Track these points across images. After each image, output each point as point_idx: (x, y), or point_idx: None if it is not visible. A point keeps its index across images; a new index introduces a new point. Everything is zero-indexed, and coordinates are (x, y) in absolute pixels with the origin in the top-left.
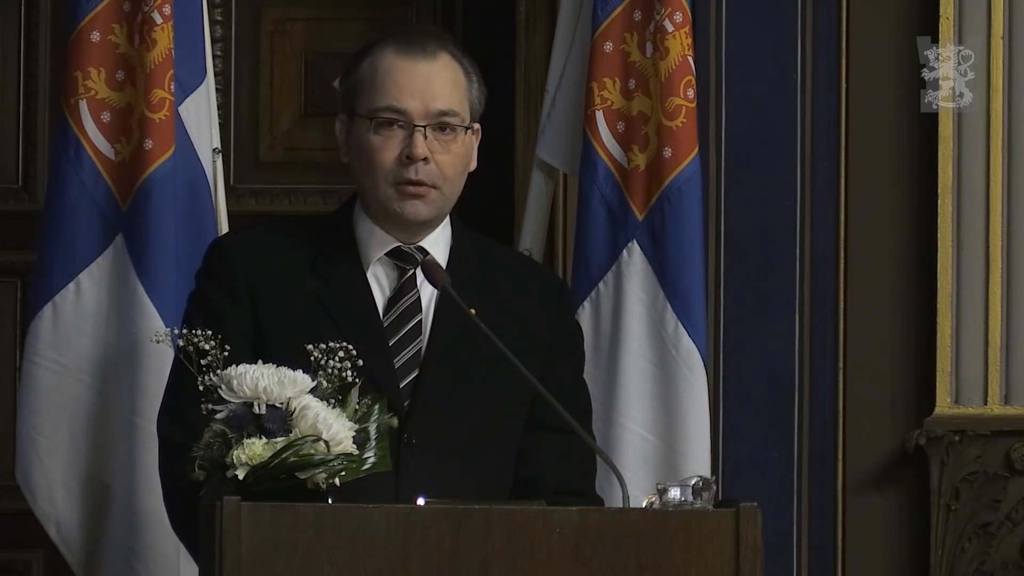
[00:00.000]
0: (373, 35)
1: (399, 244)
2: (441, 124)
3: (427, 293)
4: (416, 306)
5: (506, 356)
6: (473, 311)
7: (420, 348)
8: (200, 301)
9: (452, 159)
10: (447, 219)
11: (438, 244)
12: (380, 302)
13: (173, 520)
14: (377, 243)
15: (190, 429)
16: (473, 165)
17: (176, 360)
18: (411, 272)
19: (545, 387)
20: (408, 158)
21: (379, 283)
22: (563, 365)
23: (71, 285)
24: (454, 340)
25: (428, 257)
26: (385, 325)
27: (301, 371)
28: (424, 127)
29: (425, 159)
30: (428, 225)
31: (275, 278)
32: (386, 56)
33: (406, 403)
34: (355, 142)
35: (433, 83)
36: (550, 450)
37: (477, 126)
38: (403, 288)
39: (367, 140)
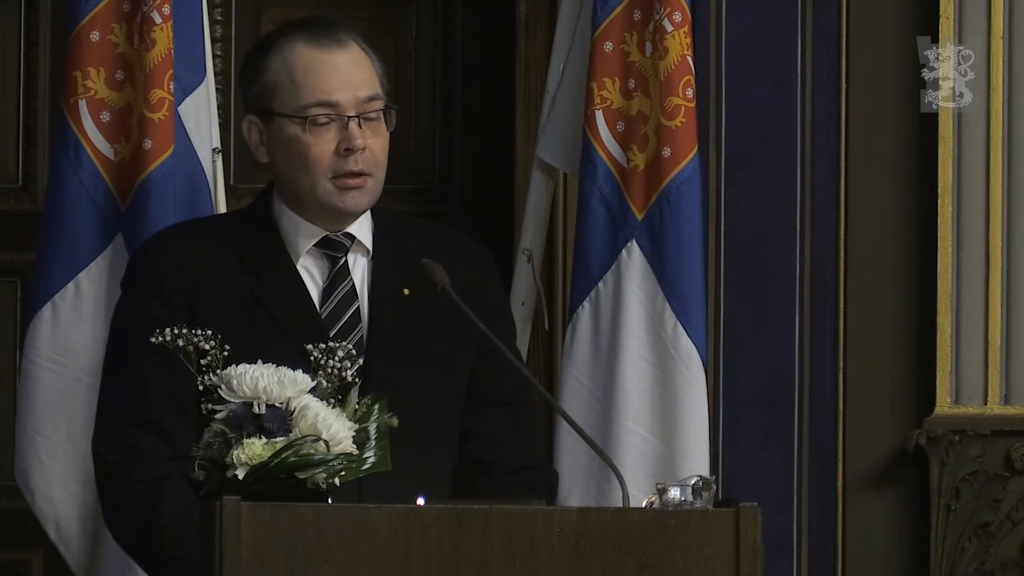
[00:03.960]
0: (373, 35)
1: (326, 233)
2: (370, 111)
3: (358, 278)
4: (352, 294)
5: (449, 335)
6: (406, 291)
7: (362, 335)
8: (133, 311)
9: (382, 143)
10: None
11: (363, 228)
12: (315, 293)
13: (124, 540)
14: (304, 234)
15: (127, 449)
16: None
17: (105, 376)
18: (343, 260)
19: (483, 361)
20: (347, 150)
21: (311, 274)
22: (496, 335)
23: (70, 285)
24: (393, 323)
25: (426, 260)
26: (323, 316)
27: (301, 371)
28: (357, 117)
29: (363, 148)
30: None
31: (207, 278)
32: (298, 51)
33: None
34: (281, 142)
35: (354, 71)
36: (497, 426)
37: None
38: (336, 277)
39: (298, 139)
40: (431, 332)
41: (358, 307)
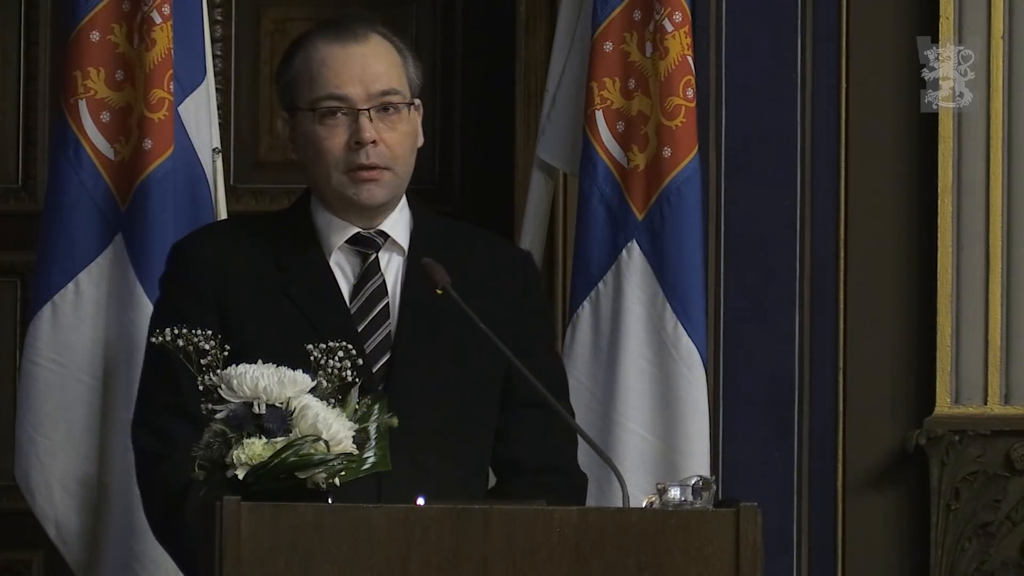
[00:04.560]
0: None
1: (358, 230)
2: (384, 104)
3: (391, 276)
4: (382, 290)
5: (483, 336)
6: (440, 292)
7: (390, 331)
8: (166, 307)
9: (400, 137)
10: (404, 200)
11: (397, 226)
12: (345, 289)
13: (155, 529)
14: (336, 231)
15: (165, 439)
16: (420, 141)
17: (144, 368)
18: (374, 256)
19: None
20: (357, 143)
21: (342, 270)
22: (533, 341)
23: (70, 285)
24: (423, 321)
25: (426, 259)
26: (352, 311)
27: (301, 371)
28: (368, 110)
29: (374, 142)
30: (385, 208)
31: (238, 277)
32: (317, 46)
33: (380, 387)
34: (301, 136)
35: (369, 65)
36: (529, 427)
37: (418, 101)
38: (367, 273)
39: (313, 132)
40: (464, 332)
41: (387, 303)
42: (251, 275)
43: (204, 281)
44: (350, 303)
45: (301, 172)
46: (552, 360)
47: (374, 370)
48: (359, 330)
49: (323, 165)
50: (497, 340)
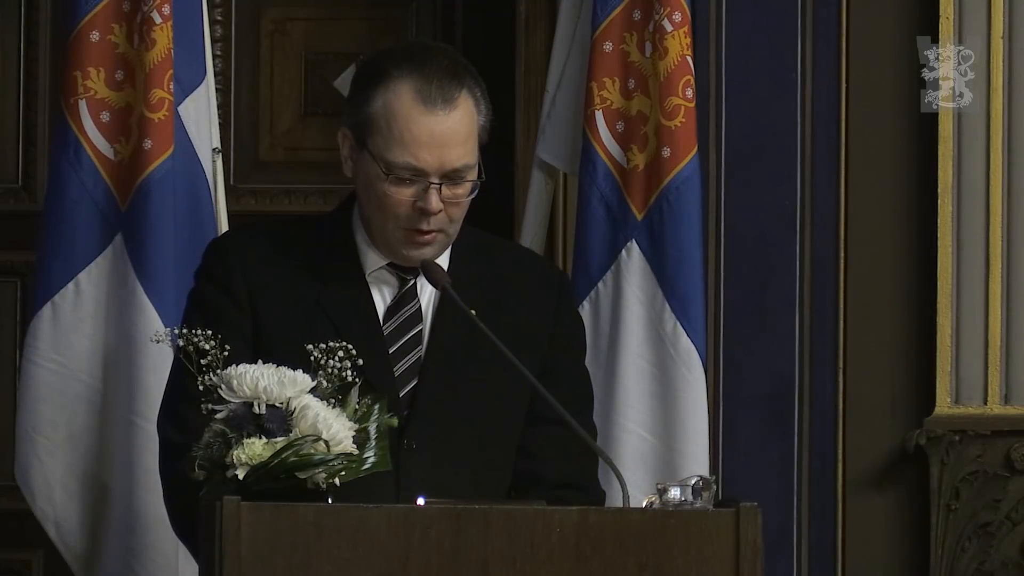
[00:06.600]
0: (373, 36)
1: None
2: (454, 181)
3: (426, 300)
4: (417, 316)
5: (506, 356)
6: (473, 311)
7: (420, 356)
8: (198, 301)
9: (461, 206)
10: None
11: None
12: (380, 309)
13: (174, 522)
14: (377, 251)
15: (189, 431)
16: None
17: (175, 361)
18: (412, 282)
19: (545, 381)
20: (421, 211)
21: (379, 290)
22: (563, 358)
23: (70, 285)
24: (453, 345)
25: (427, 258)
26: (385, 333)
27: (301, 371)
28: (440, 184)
29: (438, 211)
30: None
31: (274, 280)
32: (403, 100)
33: (405, 412)
34: (364, 174)
35: (451, 139)
36: (549, 443)
37: (482, 176)
38: (404, 297)
39: (378, 185)
40: (493, 355)
41: (421, 329)
42: (287, 281)
43: (238, 280)
44: (383, 324)
45: (354, 187)
46: (579, 380)
47: (401, 394)
48: (390, 352)
49: (380, 215)
50: (513, 357)
